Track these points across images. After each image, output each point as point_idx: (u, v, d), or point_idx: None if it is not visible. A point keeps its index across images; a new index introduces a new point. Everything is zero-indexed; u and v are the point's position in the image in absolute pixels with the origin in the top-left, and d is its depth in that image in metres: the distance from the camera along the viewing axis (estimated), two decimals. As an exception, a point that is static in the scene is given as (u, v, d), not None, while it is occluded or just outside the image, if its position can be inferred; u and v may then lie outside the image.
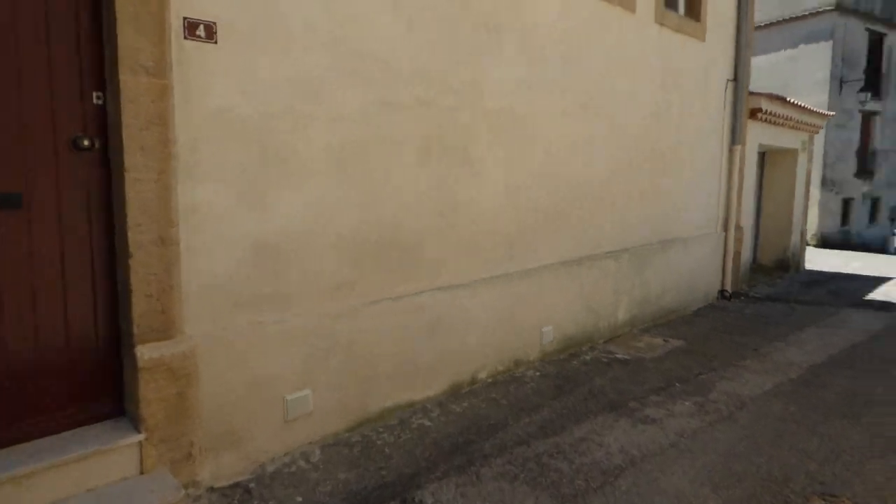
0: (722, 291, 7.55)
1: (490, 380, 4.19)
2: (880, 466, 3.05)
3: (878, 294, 8.29)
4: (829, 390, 4.19)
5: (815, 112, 9.10)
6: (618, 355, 4.98)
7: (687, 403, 3.92)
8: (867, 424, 3.58)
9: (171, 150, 2.41)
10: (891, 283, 9.41)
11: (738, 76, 7.12)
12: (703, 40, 6.30)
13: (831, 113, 10.14)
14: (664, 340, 5.51)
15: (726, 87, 7.02)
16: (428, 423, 3.45)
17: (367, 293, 3.31)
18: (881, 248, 20.79)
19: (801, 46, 17.35)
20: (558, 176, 4.63)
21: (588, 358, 4.87)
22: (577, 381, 4.27)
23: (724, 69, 6.94)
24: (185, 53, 2.47)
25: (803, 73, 17.52)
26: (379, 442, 3.21)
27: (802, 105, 8.58)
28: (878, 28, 18.30)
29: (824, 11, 17.00)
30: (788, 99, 8.17)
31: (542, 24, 4.27)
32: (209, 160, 2.58)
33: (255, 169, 2.75)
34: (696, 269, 6.87)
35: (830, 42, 16.91)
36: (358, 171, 3.19)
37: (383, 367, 3.44)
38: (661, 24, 5.57)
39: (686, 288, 6.65)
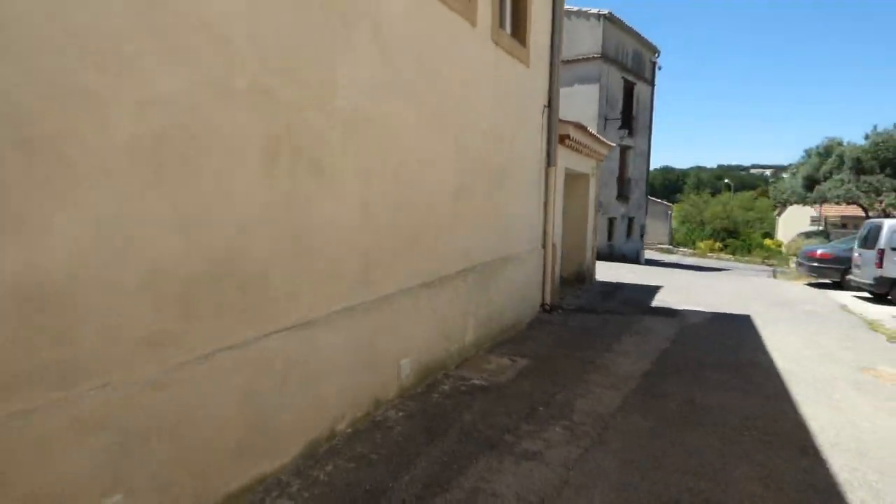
0: (543, 305, 7.93)
1: (350, 430, 3.52)
2: (743, 473, 3.20)
3: (658, 301, 9.59)
4: (668, 400, 4.44)
5: (605, 142, 10.30)
6: (474, 381, 4.70)
7: (558, 429, 3.77)
8: (714, 431, 3.82)
9: None
10: (662, 290, 11.04)
11: (552, 103, 7.61)
12: (528, 66, 6.54)
13: (613, 144, 11.63)
14: (511, 360, 5.43)
15: (543, 113, 7.43)
16: (288, 505, 2.67)
17: (198, 345, 2.42)
18: (635, 259, 24.95)
19: (576, 86, 19.98)
20: (413, 191, 4.20)
21: (447, 388, 4.49)
22: (446, 419, 3.84)
23: (542, 96, 7.34)
24: None
25: (577, 109, 20.10)
26: (224, 549, 2.34)
27: (597, 135, 9.60)
28: (630, 77, 22.07)
29: (592, 58, 19.87)
30: (587, 129, 9.04)
31: (392, 22, 3.81)
32: (-72, 148, 1.54)
33: (14, 169, 1.75)
34: (526, 284, 7.06)
35: (598, 85, 19.82)
36: (181, 178, 2.32)
37: (224, 440, 2.57)
38: (497, 44, 5.58)
39: (519, 304, 6.77)
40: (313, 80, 3.06)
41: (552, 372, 5.07)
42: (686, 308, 8.89)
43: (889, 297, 10.65)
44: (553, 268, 8.22)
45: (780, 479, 3.16)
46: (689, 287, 12.12)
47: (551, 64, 7.45)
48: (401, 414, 3.88)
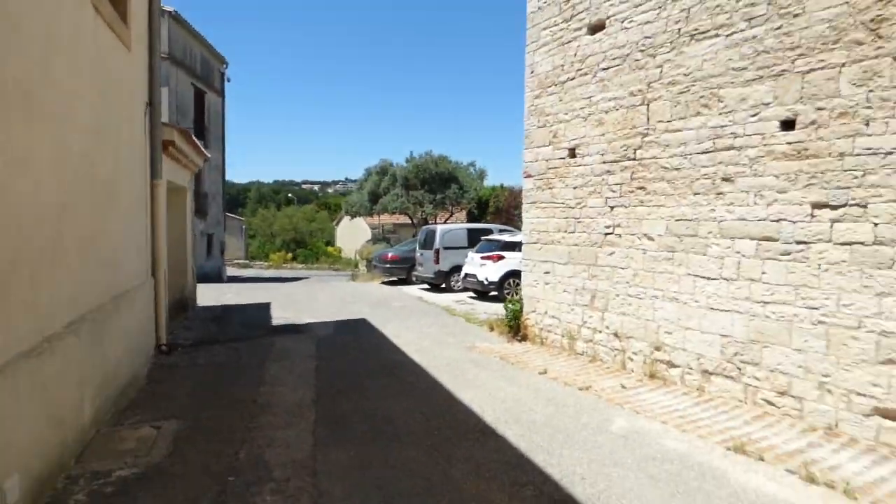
0: (160, 346, 6.52)
1: None
2: (461, 476, 3.34)
3: (278, 319, 9.32)
4: (353, 422, 4.28)
5: (203, 152, 9.31)
6: (119, 473, 3.38)
7: (268, 498, 3.09)
8: (411, 442, 3.87)
9: None
10: (273, 307, 10.81)
11: (154, 102, 6.32)
12: (130, 49, 5.20)
13: (209, 154, 10.65)
14: (153, 428, 4.18)
15: (146, 112, 6.09)
16: None
17: None
18: (218, 277, 23.74)
19: (140, 86, 17.41)
20: (5, 209, 2.66)
21: (83, 498, 3.06)
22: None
23: (143, 90, 6.00)
24: None
25: (141, 114, 17.60)
26: None
27: (197, 143, 8.58)
28: (201, 85, 20.75)
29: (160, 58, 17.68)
30: (191, 134, 7.96)
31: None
32: None
33: None
34: (140, 326, 5.63)
35: (167, 88, 17.77)
36: None
37: None
38: (97, 11, 4.17)
39: (134, 350, 5.33)
40: None
41: (215, 429, 4.16)
42: (307, 321, 8.94)
43: (443, 287, 13.54)
44: (165, 299, 6.87)
45: (487, 468, 3.45)
46: (293, 299, 12.32)
47: (150, 51, 6.18)
48: (21, 571, 2.39)
